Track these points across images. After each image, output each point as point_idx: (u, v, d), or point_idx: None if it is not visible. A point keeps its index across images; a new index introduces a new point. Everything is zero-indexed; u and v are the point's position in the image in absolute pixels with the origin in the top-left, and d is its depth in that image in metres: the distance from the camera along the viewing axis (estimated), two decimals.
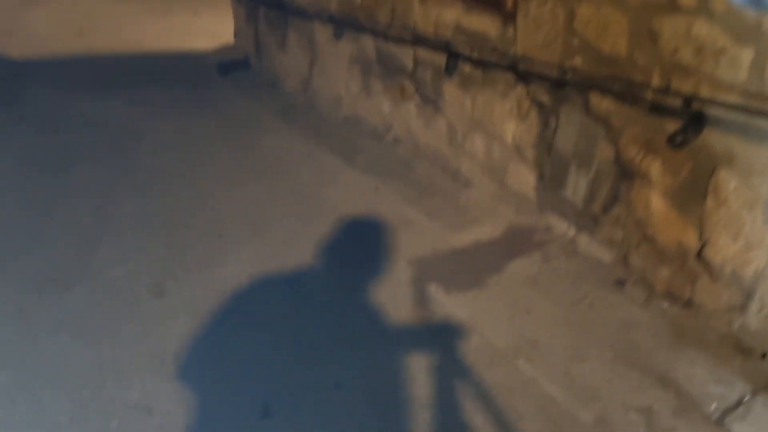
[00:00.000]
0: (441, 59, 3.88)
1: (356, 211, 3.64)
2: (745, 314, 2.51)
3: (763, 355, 2.43)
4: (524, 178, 3.60)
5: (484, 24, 3.49)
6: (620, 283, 2.91)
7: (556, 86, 3.14)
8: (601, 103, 2.90)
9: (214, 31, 7.73)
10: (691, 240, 2.67)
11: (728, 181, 2.44)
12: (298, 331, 2.60)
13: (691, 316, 2.66)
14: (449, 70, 3.80)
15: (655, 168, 2.72)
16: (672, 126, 2.57)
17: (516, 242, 3.30)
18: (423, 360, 2.43)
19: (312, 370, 2.38)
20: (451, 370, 2.38)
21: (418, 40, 4.06)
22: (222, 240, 3.32)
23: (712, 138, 2.45)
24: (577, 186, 3.18)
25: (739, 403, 2.23)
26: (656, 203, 2.78)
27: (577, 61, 2.97)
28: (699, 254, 2.64)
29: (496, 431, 2.11)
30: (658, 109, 2.63)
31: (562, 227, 3.33)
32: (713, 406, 2.23)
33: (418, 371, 2.37)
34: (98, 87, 5.82)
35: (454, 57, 3.74)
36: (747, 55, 2.24)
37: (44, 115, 5.10)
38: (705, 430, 2.14)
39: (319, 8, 5.09)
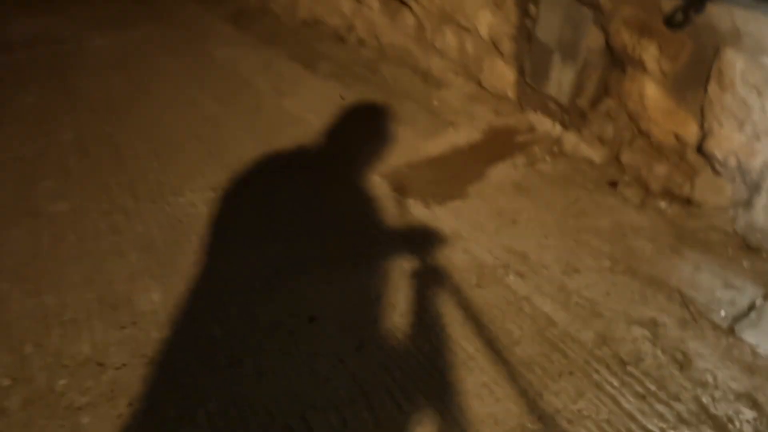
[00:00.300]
0: None
1: (321, 123, 3.32)
2: (751, 210, 2.30)
3: None
4: (502, 75, 3.30)
5: None
6: (613, 184, 2.67)
7: None
8: None
9: None
10: (691, 132, 2.42)
11: (734, 62, 2.17)
12: (265, 259, 2.34)
13: (691, 216, 2.45)
14: None
15: (650, 53, 2.43)
16: (670, 4, 2.27)
17: (497, 146, 3.04)
18: (403, 282, 2.20)
19: (282, 303, 2.14)
20: (436, 293, 2.16)
21: None
22: (176, 164, 3.00)
23: (717, 13, 2.15)
24: (561, 80, 2.89)
25: (750, 309, 2.05)
26: (651, 93, 2.50)
27: None
28: (699, 147, 2.40)
29: (490, 360, 1.91)
30: None
31: (547, 126, 3.06)
32: (722, 313, 2.05)
33: (399, 296, 2.15)
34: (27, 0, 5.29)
35: None
36: None
37: None
38: (715, 340, 1.96)
39: None
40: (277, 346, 1.99)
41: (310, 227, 2.53)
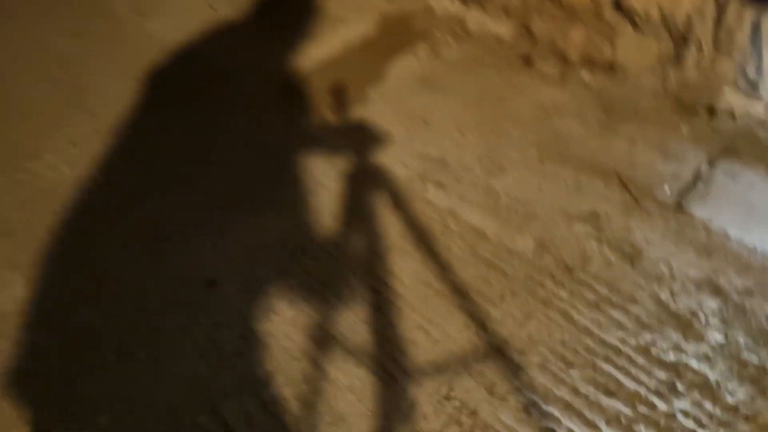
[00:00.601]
0: None
1: (194, 42, 2.86)
2: (681, 65, 2.06)
3: (710, 110, 2.01)
4: None
5: None
6: (527, 61, 2.37)
7: None
8: None
9: None
10: None
11: None
12: (147, 220, 1.98)
13: (618, 84, 2.19)
14: None
15: None
16: None
17: (394, 37, 2.67)
18: (308, 218, 1.90)
19: (174, 270, 1.81)
20: (347, 224, 1.86)
21: None
22: (29, 122, 2.53)
23: None
24: None
25: (696, 179, 1.83)
26: None
27: None
28: (617, 2, 2.11)
29: (421, 295, 1.65)
30: None
31: (446, 6, 2.69)
32: (666, 189, 1.83)
33: (305, 235, 1.85)
34: None
35: None
36: None
37: None
38: (663, 222, 1.75)
39: None
40: (173, 324, 1.67)
41: (196, 171, 2.16)
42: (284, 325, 1.62)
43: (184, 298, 1.73)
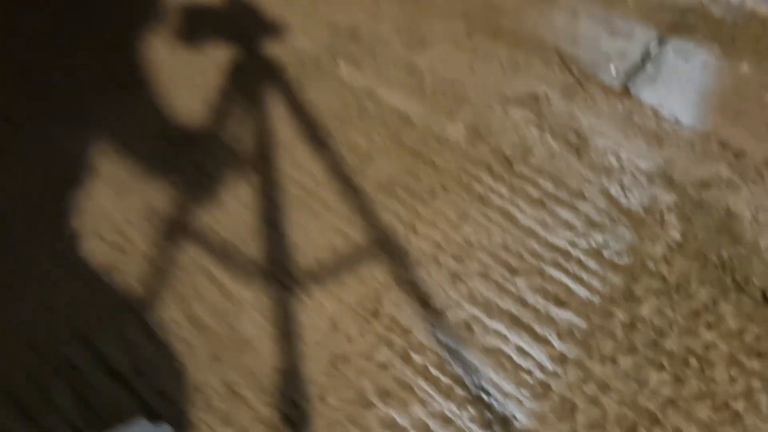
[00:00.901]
0: None
1: None
2: None
3: None
4: None
5: None
6: None
7: None
8: None
9: None
10: None
11: None
12: None
13: None
14: None
15: None
16: None
17: None
18: (194, 99, 1.55)
19: (23, 161, 1.43)
20: (244, 111, 1.53)
21: None
22: None
23: None
24: None
25: (644, 59, 1.62)
26: None
27: None
28: None
29: (338, 192, 1.38)
30: None
31: None
32: (612, 70, 1.61)
33: (188, 129, 1.51)
34: None
35: None
36: None
37: None
38: (609, 107, 1.54)
39: None
40: (27, 238, 1.32)
41: (50, 49, 1.73)
42: (169, 231, 1.31)
43: (39, 203, 1.37)
